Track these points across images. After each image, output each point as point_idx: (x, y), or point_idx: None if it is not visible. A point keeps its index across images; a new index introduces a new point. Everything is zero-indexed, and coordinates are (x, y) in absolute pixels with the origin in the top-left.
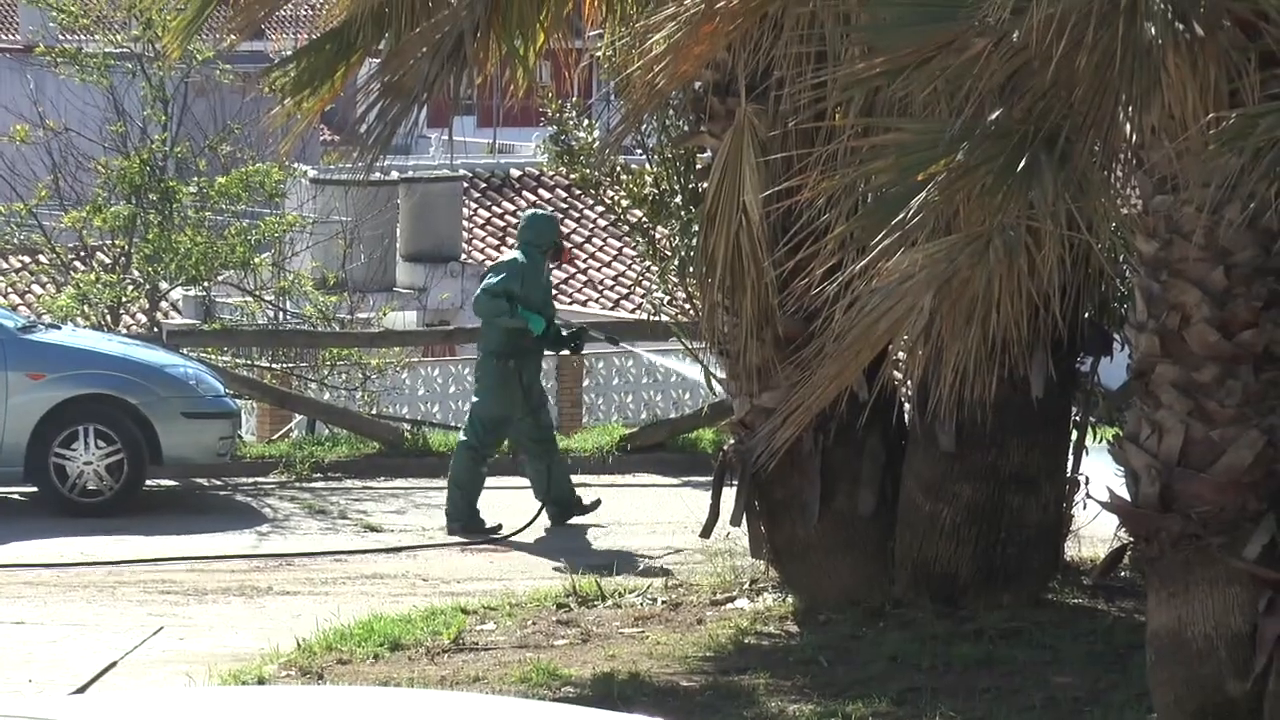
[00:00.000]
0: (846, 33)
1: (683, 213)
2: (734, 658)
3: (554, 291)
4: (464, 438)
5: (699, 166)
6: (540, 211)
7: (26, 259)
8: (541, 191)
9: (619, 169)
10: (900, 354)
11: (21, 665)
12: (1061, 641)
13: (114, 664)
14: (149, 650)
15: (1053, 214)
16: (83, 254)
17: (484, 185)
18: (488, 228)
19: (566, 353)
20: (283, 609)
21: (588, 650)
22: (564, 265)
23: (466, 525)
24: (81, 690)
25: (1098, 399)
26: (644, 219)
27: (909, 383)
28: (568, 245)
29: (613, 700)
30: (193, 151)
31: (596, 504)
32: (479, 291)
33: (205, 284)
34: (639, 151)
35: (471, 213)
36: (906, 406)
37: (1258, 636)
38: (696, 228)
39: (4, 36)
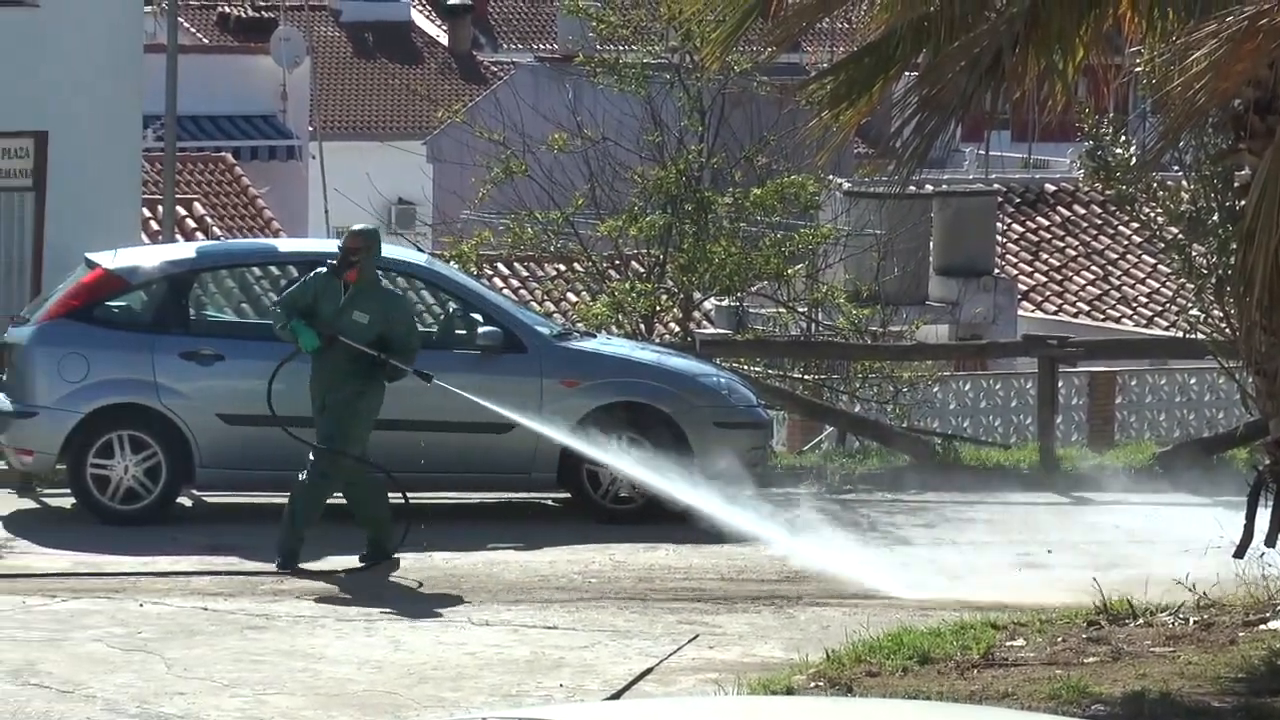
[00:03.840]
0: None
1: (1220, 230)
2: (1266, 679)
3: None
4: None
5: (1237, 184)
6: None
7: (562, 266)
8: (1076, 207)
9: (1155, 185)
10: None
11: (553, 670)
12: None
13: (648, 671)
14: (679, 658)
15: None
16: (617, 262)
17: (1018, 200)
18: (1021, 242)
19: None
20: (811, 620)
21: (1118, 668)
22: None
23: (379, 553)
24: (615, 696)
25: None
26: (1180, 236)
27: None
28: (353, 259)
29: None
30: (728, 162)
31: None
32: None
33: (738, 294)
34: (1176, 168)
35: (1005, 227)
36: None
37: None
38: (1234, 245)
39: (543, 46)
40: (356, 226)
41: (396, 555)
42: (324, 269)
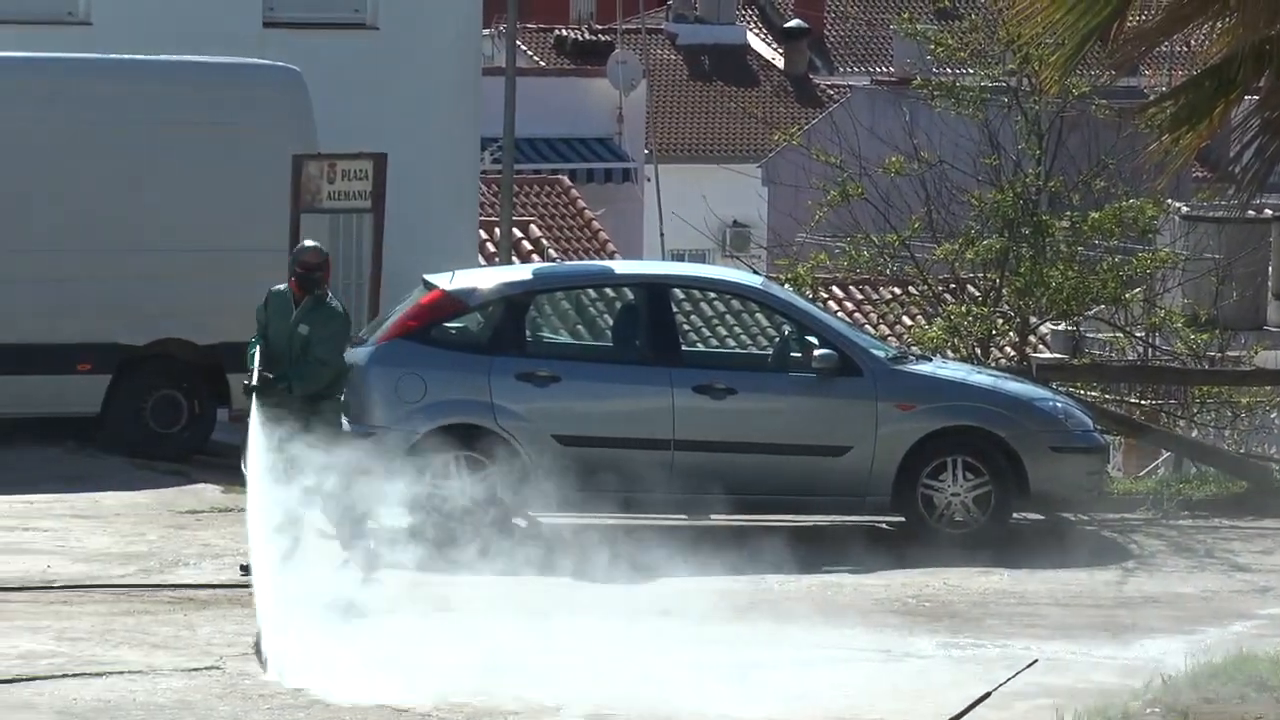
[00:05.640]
0: None
1: None
2: None
3: None
4: None
5: None
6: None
7: (898, 290)
8: None
9: None
10: None
11: (887, 696)
12: None
13: (985, 696)
14: (1016, 684)
15: None
16: (953, 286)
17: None
18: None
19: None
20: (1149, 647)
21: None
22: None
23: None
24: None
25: None
26: None
27: None
28: (298, 269)
29: None
30: (1066, 186)
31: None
32: None
33: (1075, 318)
34: None
35: None
36: None
37: None
38: None
39: (879, 69)
40: (312, 243)
41: None
42: (283, 286)
